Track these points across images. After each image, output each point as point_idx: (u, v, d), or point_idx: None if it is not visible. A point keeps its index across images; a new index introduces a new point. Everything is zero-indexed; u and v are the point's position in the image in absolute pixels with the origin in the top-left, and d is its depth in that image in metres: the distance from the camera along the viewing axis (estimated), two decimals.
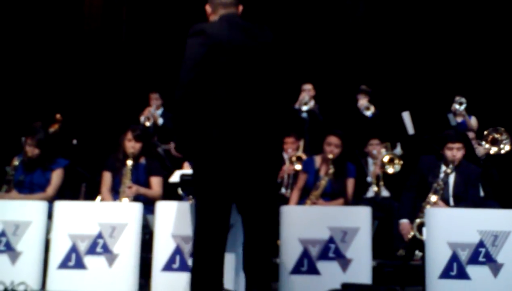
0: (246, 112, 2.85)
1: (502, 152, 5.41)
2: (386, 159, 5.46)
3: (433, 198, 4.40)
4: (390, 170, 5.40)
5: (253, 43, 2.92)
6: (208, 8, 3.10)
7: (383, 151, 5.67)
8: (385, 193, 5.51)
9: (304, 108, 6.48)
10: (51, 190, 4.66)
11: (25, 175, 4.68)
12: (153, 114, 6.96)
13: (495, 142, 5.44)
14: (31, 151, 4.67)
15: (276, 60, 2.97)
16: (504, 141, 5.40)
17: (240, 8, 3.10)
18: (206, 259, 2.86)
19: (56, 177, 4.71)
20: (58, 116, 6.78)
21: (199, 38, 2.85)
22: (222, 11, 3.02)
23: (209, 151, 2.84)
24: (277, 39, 2.98)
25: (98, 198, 4.91)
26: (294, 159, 5.66)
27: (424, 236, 3.82)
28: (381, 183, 5.49)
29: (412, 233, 4.38)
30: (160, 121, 7.03)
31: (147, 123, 6.94)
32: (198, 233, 2.90)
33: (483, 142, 5.45)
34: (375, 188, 5.50)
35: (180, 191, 5.01)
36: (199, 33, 2.86)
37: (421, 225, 4.20)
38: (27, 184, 4.66)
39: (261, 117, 2.89)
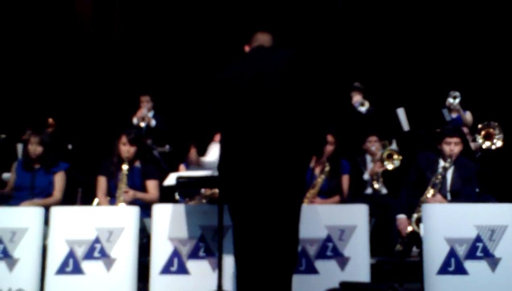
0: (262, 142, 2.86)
1: (493, 147, 5.42)
2: (385, 154, 5.42)
3: (431, 191, 4.40)
4: (390, 166, 5.36)
5: (265, 75, 2.94)
6: (246, 48, 3.25)
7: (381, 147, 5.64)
8: (382, 190, 5.50)
9: None
10: (58, 193, 4.64)
11: (24, 177, 4.61)
12: (145, 115, 6.93)
13: (488, 137, 5.45)
14: (34, 149, 4.63)
15: (299, 84, 2.94)
16: (496, 137, 5.41)
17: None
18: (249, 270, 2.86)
19: (60, 179, 4.69)
20: (50, 120, 6.76)
21: (207, 88, 3.12)
22: (255, 44, 3.19)
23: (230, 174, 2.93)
24: (300, 59, 2.99)
25: (94, 202, 4.89)
26: None
27: (422, 232, 3.82)
28: (381, 179, 5.47)
29: (410, 228, 4.38)
30: (153, 123, 7.01)
31: (142, 124, 6.91)
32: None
33: (478, 137, 5.46)
34: (376, 185, 5.45)
35: (177, 196, 5.00)
36: (208, 81, 3.13)
37: (419, 219, 4.19)
38: (27, 186, 4.59)
39: (280, 145, 2.86)
